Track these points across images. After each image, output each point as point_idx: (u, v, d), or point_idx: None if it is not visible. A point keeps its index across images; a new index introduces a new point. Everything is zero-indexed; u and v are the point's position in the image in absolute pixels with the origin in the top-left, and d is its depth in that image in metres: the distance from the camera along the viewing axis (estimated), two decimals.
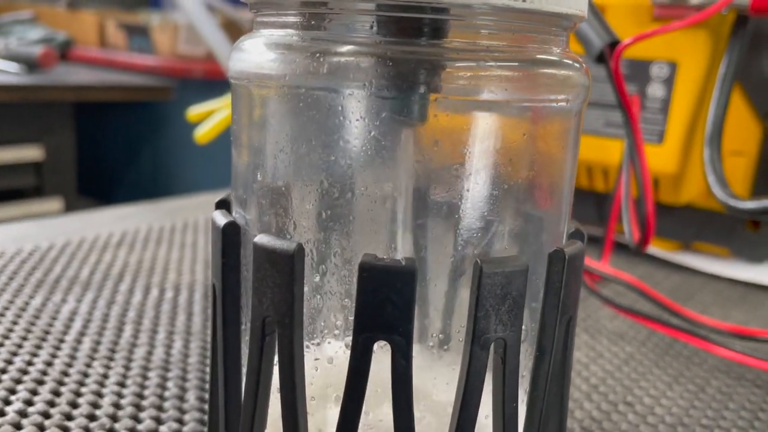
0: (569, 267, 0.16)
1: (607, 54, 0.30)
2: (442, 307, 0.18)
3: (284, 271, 0.14)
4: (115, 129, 1.39)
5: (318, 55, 0.15)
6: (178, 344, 0.28)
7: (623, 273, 0.35)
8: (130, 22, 1.38)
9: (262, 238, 0.15)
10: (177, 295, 0.33)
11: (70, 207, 1.19)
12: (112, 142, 1.41)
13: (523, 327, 0.15)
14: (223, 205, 0.18)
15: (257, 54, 0.16)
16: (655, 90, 0.42)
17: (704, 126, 0.40)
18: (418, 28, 0.15)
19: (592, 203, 0.47)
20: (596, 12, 0.31)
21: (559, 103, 0.16)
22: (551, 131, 0.16)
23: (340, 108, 0.15)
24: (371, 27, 0.15)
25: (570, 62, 0.16)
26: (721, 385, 0.29)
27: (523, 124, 0.16)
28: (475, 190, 0.16)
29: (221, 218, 0.16)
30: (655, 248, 0.46)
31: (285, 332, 0.15)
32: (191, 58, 1.30)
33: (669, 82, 0.41)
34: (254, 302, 0.15)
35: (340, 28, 0.15)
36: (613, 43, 0.29)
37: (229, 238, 0.16)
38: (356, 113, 0.15)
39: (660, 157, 0.42)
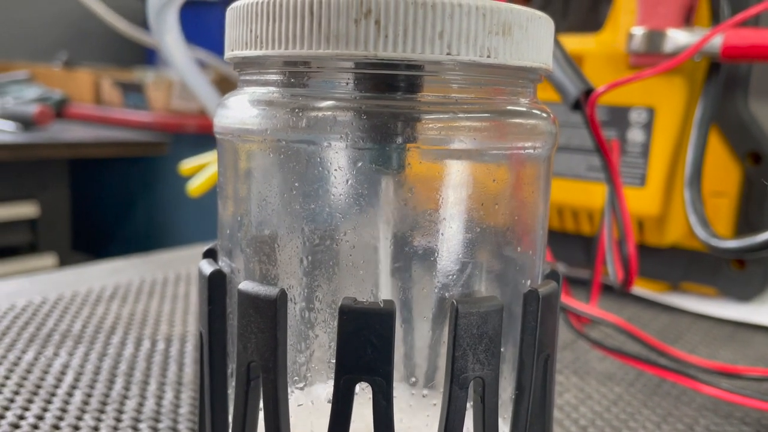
0: (544, 306, 0.16)
1: (582, 101, 0.31)
2: (424, 348, 0.18)
3: (267, 316, 0.15)
4: (109, 184, 1.41)
5: (298, 110, 0.16)
6: (169, 395, 0.28)
7: (610, 315, 0.35)
8: (125, 80, 1.40)
9: (246, 285, 0.15)
10: (168, 347, 0.33)
11: (64, 263, 1.19)
12: (106, 197, 1.42)
13: (506, 366, 0.16)
14: (210, 254, 0.18)
15: (241, 110, 0.17)
16: (635, 135, 0.43)
17: (684, 168, 0.41)
18: (393, 84, 0.16)
19: (580, 246, 0.48)
20: (571, 61, 0.32)
21: (526, 151, 0.17)
22: (521, 177, 0.17)
23: (319, 159, 0.16)
24: (348, 84, 0.16)
25: (537, 112, 0.17)
26: (709, 423, 0.29)
27: (493, 171, 0.17)
28: (450, 234, 0.16)
29: (207, 267, 0.17)
30: (642, 289, 0.46)
31: (269, 377, 0.15)
32: (185, 113, 1.32)
33: (648, 126, 0.42)
34: (239, 348, 0.16)
35: (319, 85, 0.16)
36: (588, 91, 0.31)
37: (215, 286, 0.17)
38: (335, 164, 0.16)
39: (642, 200, 0.43)
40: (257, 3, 0.15)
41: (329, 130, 0.15)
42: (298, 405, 0.17)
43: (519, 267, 0.17)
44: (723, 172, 0.43)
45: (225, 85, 1.08)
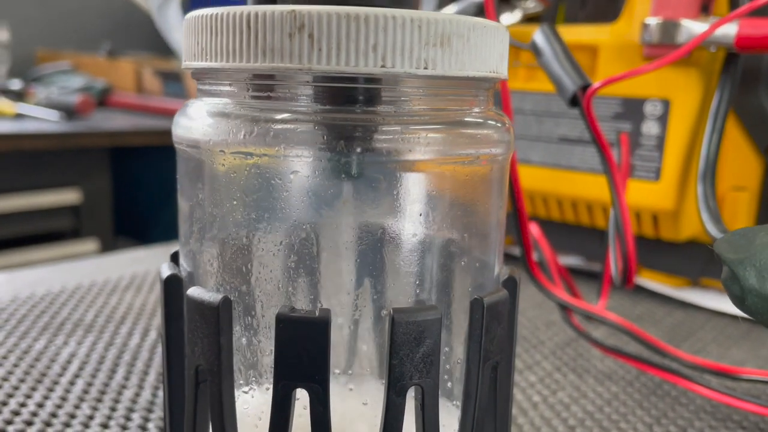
0: (489, 314, 0.16)
1: (579, 97, 0.30)
2: (374, 355, 0.18)
3: (211, 322, 0.15)
4: (150, 171, 1.44)
5: (252, 121, 0.16)
6: None
7: (612, 314, 0.35)
8: (165, 69, 1.43)
9: (193, 291, 0.16)
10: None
11: (106, 247, 1.23)
12: (147, 184, 1.46)
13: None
14: (175, 257, 0.19)
15: (198, 120, 0.17)
16: (650, 127, 0.42)
17: (699, 162, 0.40)
18: (346, 96, 0.16)
19: (595, 239, 0.47)
20: (569, 56, 0.31)
21: (480, 160, 0.17)
22: (474, 185, 0.17)
23: (271, 171, 0.16)
24: (303, 96, 0.16)
25: (491, 121, 0.17)
26: (704, 426, 0.28)
27: (447, 180, 0.17)
28: (405, 241, 0.17)
29: (166, 270, 0.18)
30: (659, 285, 0.45)
31: (214, 380, 0.16)
32: None
33: (663, 119, 0.41)
34: (188, 351, 0.16)
35: (278, 97, 0.16)
36: (585, 86, 0.30)
37: (171, 290, 0.17)
38: (287, 175, 0.16)
39: (657, 194, 0.42)
40: (202, 16, 0.16)
41: (279, 142, 0.15)
42: (245, 408, 0.18)
43: (473, 274, 0.17)
44: (743, 166, 0.42)
45: None
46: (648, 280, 0.46)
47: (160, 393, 0.28)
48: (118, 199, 1.34)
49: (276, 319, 0.15)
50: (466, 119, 0.17)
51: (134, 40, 1.84)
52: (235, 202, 0.16)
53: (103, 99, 1.41)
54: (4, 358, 0.31)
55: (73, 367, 0.30)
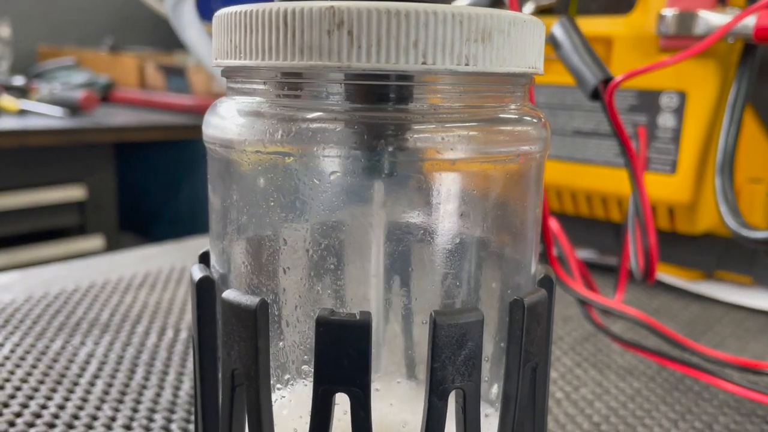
0: (530, 315, 0.16)
1: (601, 90, 0.30)
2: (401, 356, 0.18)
3: (248, 325, 0.15)
4: (154, 167, 1.44)
5: (285, 121, 0.16)
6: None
7: (632, 308, 0.34)
8: (168, 64, 1.43)
9: (229, 294, 0.16)
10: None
11: (111, 243, 1.23)
12: (152, 180, 1.46)
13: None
14: (205, 258, 0.19)
15: (230, 119, 0.17)
16: (666, 120, 0.42)
17: (716, 155, 0.39)
18: (381, 94, 0.15)
19: (610, 233, 0.47)
20: (590, 49, 0.31)
21: (517, 157, 0.16)
22: (511, 183, 0.17)
23: (308, 170, 0.16)
24: (336, 94, 0.16)
25: (527, 118, 0.16)
26: (729, 422, 0.28)
27: (483, 178, 0.16)
28: (441, 241, 0.16)
29: (197, 272, 0.17)
30: (674, 278, 0.45)
31: (251, 384, 0.15)
32: None
33: (679, 111, 0.41)
34: (223, 355, 0.16)
35: (307, 95, 0.16)
36: (607, 80, 0.30)
37: (204, 292, 0.17)
38: (322, 175, 0.16)
39: (673, 187, 0.42)
40: (236, 13, 0.15)
41: (318, 141, 0.15)
42: (282, 411, 0.17)
43: (510, 274, 0.17)
44: (760, 158, 0.42)
45: None
46: (663, 273, 0.46)
47: (182, 393, 0.28)
48: (122, 195, 1.34)
49: (316, 322, 0.14)
50: (503, 116, 0.16)
51: (136, 35, 1.84)
52: (272, 203, 0.16)
53: (106, 95, 1.40)
54: (22, 359, 0.31)
55: (92, 368, 0.30)
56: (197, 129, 1.31)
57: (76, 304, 0.38)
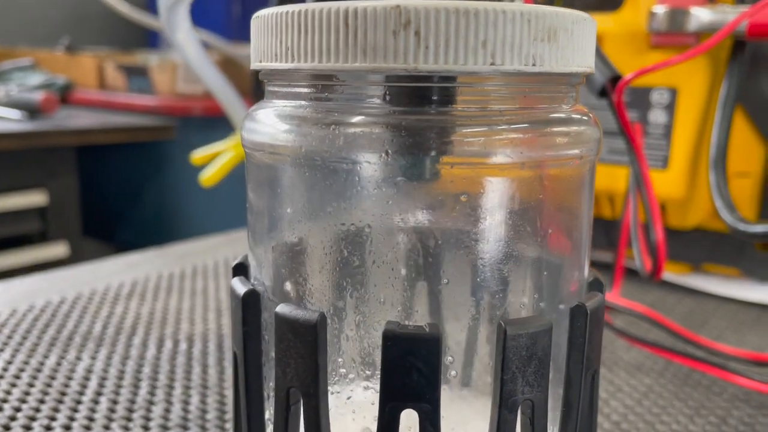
0: (592, 321, 0.16)
1: (609, 89, 0.30)
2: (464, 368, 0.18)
3: (307, 341, 0.14)
4: (118, 170, 1.40)
5: (331, 126, 0.15)
6: (195, 399, 0.28)
7: (635, 303, 0.34)
8: (129, 64, 1.39)
9: (283, 309, 0.15)
10: (191, 347, 0.33)
11: (75, 250, 1.19)
12: (115, 183, 1.42)
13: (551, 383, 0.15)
14: (241, 269, 0.18)
15: (271, 125, 0.16)
16: (657, 116, 0.42)
17: (708, 150, 0.40)
18: (428, 97, 0.15)
19: (600, 229, 0.47)
20: (597, 47, 0.31)
21: (572, 161, 0.16)
22: (566, 187, 0.16)
23: (354, 176, 0.15)
24: (383, 97, 0.15)
25: (580, 117, 0.16)
26: (743, 415, 0.28)
27: (537, 183, 0.16)
28: (493, 249, 0.16)
29: (241, 286, 0.16)
30: (665, 272, 0.46)
31: (311, 402, 0.15)
32: (191, 96, 1.31)
33: (670, 108, 0.41)
34: (278, 373, 0.15)
35: (351, 99, 0.15)
36: (615, 78, 0.30)
37: (250, 307, 0.16)
38: (371, 181, 0.15)
39: (665, 183, 0.42)
40: (288, 12, 0.14)
41: (364, 147, 0.15)
42: (341, 429, 0.17)
43: (565, 279, 0.17)
44: (747, 152, 0.42)
45: (229, 67, 1.07)
46: None
47: (192, 408, 0.27)
48: (85, 199, 1.30)
49: (384, 336, 0.14)
50: (559, 117, 0.16)
51: (94, 34, 1.79)
52: (330, 211, 0.15)
53: (64, 96, 1.36)
54: (17, 377, 0.29)
55: (93, 384, 0.29)
56: (162, 130, 1.28)
57: (65, 316, 0.36)
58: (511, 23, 0.14)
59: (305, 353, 0.14)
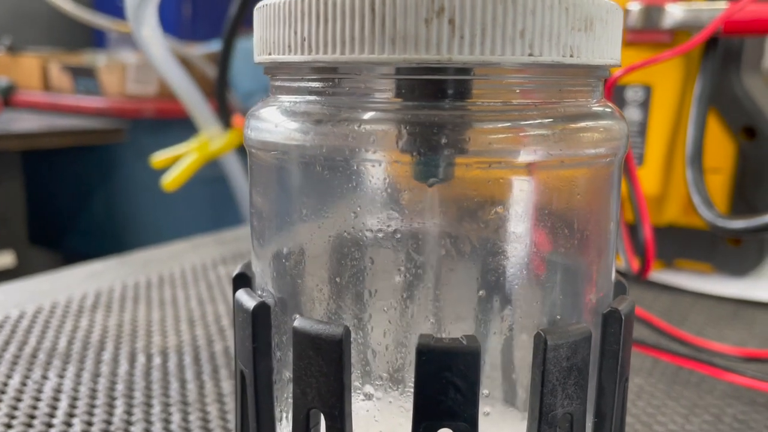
0: (626, 326, 0.15)
1: None
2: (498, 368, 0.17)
3: (331, 358, 0.13)
4: (65, 175, 1.35)
5: (341, 123, 0.14)
6: (176, 417, 0.26)
7: None
8: (75, 64, 1.34)
9: (303, 323, 0.13)
10: (166, 361, 0.31)
11: (22, 259, 1.14)
12: (63, 189, 1.36)
13: None
14: (243, 280, 0.17)
15: (277, 123, 0.15)
16: (632, 113, 0.42)
17: (682, 146, 0.40)
18: (441, 90, 0.14)
19: None
20: None
21: (604, 158, 0.15)
22: (595, 186, 0.15)
23: (367, 175, 0.14)
24: (392, 91, 0.14)
25: (610, 111, 0.15)
26: (736, 412, 0.28)
27: (562, 182, 0.15)
28: (516, 252, 0.15)
29: (248, 299, 0.15)
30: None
31: (335, 425, 0.13)
32: (141, 97, 1.27)
33: (645, 105, 0.41)
34: (296, 393, 0.14)
35: (371, 93, 0.14)
36: None
37: (260, 321, 0.15)
38: (385, 179, 0.14)
39: (641, 180, 0.42)
40: (305, 0, 0.13)
41: (391, 145, 0.13)
42: None
43: (592, 283, 0.16)
44: (718, 149, 0.43)
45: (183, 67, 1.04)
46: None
47: (174, 427, 0.26)
48: (31, 206, 1.25)
49: (417, 350, 0.13)
50: (587, 111, 0.15)
51: (36, 34, 1.72)
52: (354, 216, 0.14)
53: (7, 98, 1.30)
54: None
55: (64, 405, 0.27)
56: (111, 133, 1.24)
57: (26, 332, 0.34)
58: (549, 11, 0.13)
59: (328, 371, 0.13)
